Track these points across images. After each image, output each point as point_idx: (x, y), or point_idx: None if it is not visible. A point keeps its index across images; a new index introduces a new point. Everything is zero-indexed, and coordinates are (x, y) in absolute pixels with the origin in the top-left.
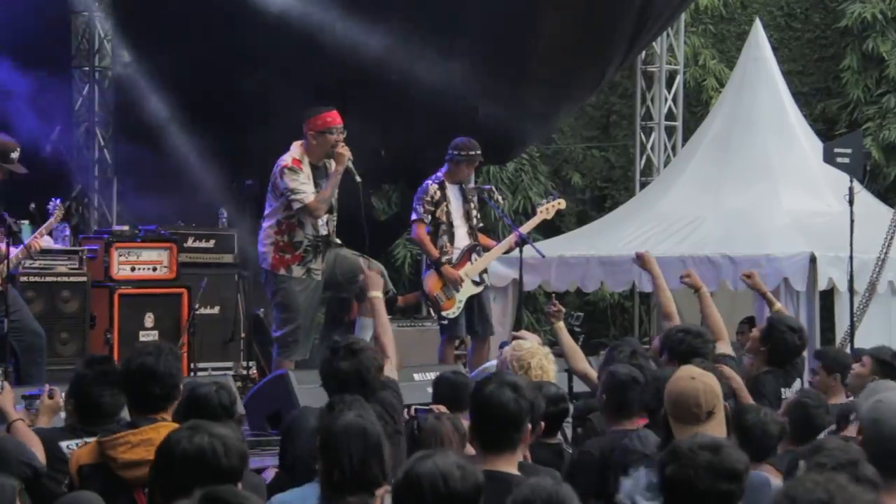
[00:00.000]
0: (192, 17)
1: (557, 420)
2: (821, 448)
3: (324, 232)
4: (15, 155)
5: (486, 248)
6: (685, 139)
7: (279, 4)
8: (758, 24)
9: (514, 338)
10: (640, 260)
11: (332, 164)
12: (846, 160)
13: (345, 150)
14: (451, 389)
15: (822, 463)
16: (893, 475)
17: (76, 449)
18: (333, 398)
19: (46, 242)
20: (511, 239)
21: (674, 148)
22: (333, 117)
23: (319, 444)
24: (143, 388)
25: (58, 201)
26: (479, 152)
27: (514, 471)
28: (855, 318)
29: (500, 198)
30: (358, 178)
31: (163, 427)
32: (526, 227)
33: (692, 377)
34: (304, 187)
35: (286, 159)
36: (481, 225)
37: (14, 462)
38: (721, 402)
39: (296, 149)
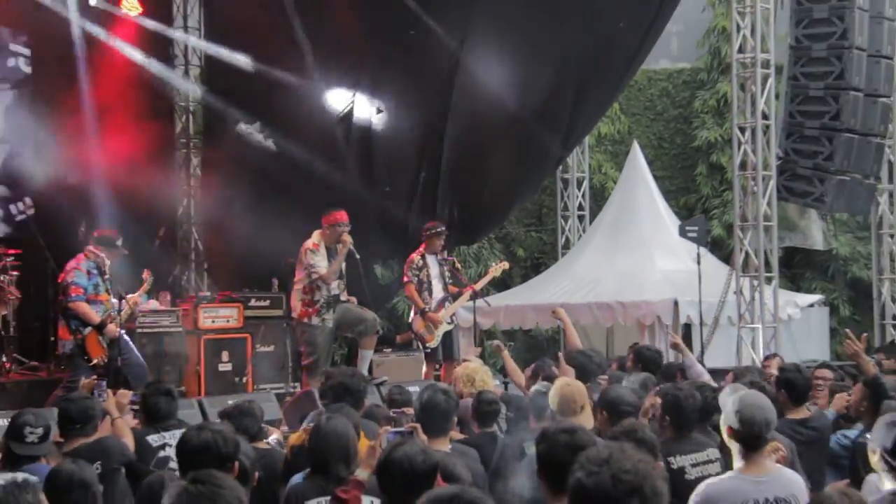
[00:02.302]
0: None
1: (492, 416)
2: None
3: (336, 292)
4: (119, 241)
5: (456, 298)
6: (591, 222)
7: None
8: (635, 145)
9: (464, 360)
10: (555, 314)
11: (339, 247)
12: (695, 234)
13: (348, 238)
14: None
15: (613, 430)
16: (755, 448)
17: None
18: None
19: (154, 305)
20: (467, 294)
21: (583, 229)
22: (342, 216)
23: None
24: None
25: (146, 272)
26: (442, 229)
27: (446, 448)
28: (705, 343)
29: (459, 266)
30: (357, 256)
31: None
32: (480, 284)
33: (568, 384)
34: (320, 263)
35: (308, 243)
36: (453, 282)
37: (117, 455)
38: (587, 400)
39: (316, 235)
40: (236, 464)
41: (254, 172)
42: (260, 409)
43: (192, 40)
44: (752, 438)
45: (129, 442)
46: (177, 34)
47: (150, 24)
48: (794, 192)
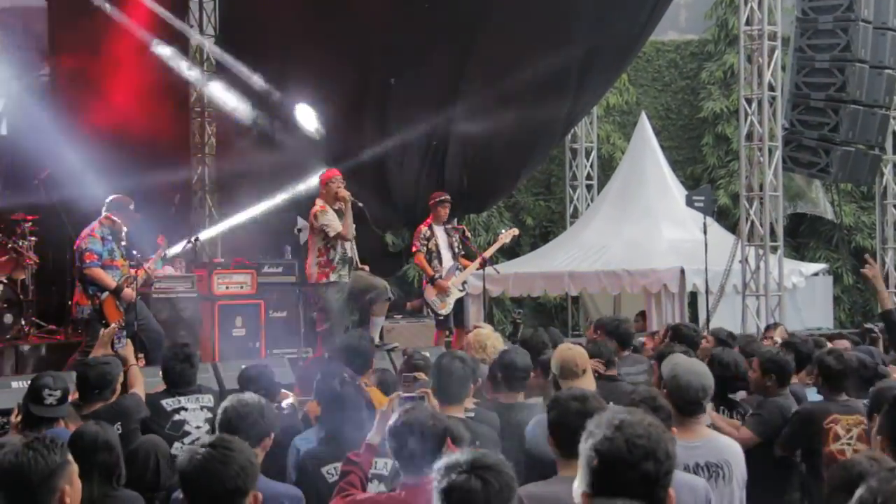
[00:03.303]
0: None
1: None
2: (633, 390)
3: (350, 255)
4: (132, 206)
5: (465, 267)
6: (599, 192)
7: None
8: (643, 116)
9: (475, 327)
10: None
11: (342, 205)
12: (701, 204)
13: (345, 193)
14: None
15: (632, 399)
16: (690, 413)
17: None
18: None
19: (170, 271)
20: (478, 261)
21: (591, 198)
22: (334, 172)
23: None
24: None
25: (161, 236)
26: (446, 198)
27: (461, 415)
28: (710, 311)
29: (469, 234)
30: (360, 204)
31: (371, 391)
32: (490, 251)
33: (569, 348)
34: (333, 222)
35: (315, 208)
36: (464, 252)
37: (134, 413)
38: (589, 364)
39: (319, 200)
40: (272, 434)
41: (268, 143)
42: (271, 372)
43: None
44: (687, 404)
45: (139, 390)
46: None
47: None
48: (800, 162)
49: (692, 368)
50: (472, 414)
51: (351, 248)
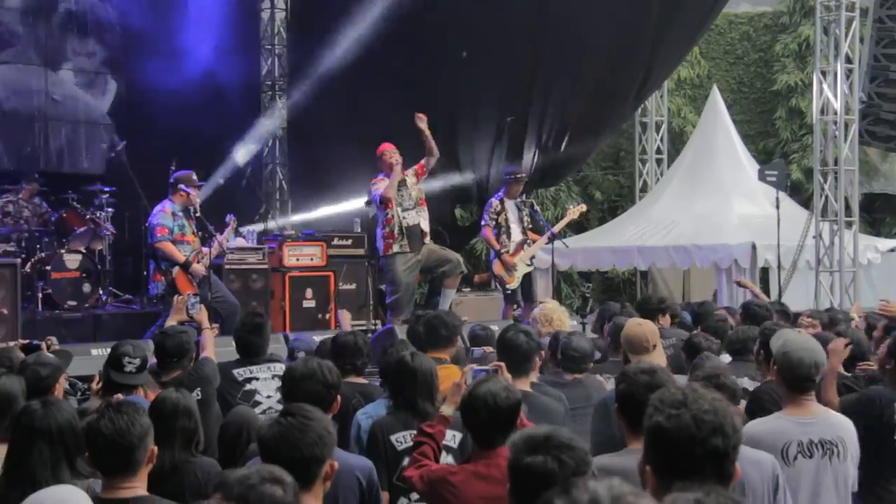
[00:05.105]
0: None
1: None
2: (698, 365)
3: (414, 222)
4: (194, 177)
5: (534, 241)
6: (669, 166)
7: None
8: (715, 89)
9: (542, 302)
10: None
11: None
12: (774, 179)
13: (393, 160)
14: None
15: (696, 374)
16: (801, 391)
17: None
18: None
19: (241, 243)
20: (546, 236)
21: (661, 173)
22: (388, 145)
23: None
24: (433, 331)
25: (232, 216)
26: (522, 175)
27: (527, 388)
28: (782, 287)
29: (538, 208)
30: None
31: (447, 368)
32: (559, 226)
33: (639, 324)
34: (381, 185)
35: (375, 178)
36: (532, 227)
37: (213, 380)
38: (659, 340)
39: (381, 174)
40: (339, 398)
41: (338, 116)
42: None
43: None
44: (799, 381)
45: (211, 354)
46: None
47: None
48: (877, 136)
49: (804, 344)
50: (528, 388)
51: (414, 217)
